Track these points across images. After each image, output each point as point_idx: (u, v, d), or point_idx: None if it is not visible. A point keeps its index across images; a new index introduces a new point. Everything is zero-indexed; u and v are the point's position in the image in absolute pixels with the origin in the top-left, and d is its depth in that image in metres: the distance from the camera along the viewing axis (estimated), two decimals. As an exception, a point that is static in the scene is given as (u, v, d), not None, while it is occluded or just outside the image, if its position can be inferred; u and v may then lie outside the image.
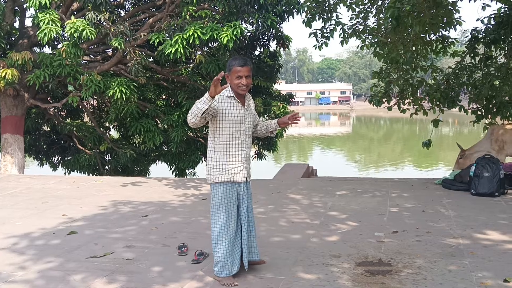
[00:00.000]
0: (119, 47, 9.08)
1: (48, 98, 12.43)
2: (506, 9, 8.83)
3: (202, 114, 3.44)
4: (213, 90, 3.39)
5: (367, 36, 9.51)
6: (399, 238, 4.85)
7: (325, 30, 9.01)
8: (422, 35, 8.86)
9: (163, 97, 12.97)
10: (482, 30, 9.22)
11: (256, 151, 12.99)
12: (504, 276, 3.71)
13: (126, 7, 12.91)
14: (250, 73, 3.69)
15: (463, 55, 9.71)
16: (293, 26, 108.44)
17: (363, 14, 9.32)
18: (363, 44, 9.71)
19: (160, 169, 14.10)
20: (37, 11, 9.16)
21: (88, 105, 13.68)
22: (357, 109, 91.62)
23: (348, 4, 9.04)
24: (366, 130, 54.05)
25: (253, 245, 3.95)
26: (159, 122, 11.86)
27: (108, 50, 11.74)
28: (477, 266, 3.95)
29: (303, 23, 8.86)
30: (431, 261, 4.11)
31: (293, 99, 14.07)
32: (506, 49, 9.08)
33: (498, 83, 8.94)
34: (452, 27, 8.71)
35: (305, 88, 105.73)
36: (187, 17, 9.18)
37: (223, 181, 3.70)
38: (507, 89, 8.70)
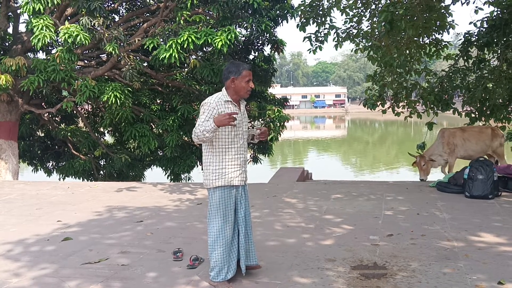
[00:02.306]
0: (113, 52, 9.07)
1: (43, 104, 12.40)
2: (499, 12, 8.90)
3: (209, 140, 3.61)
4: (225, 123, 3.50)
5: (361, 39, 9.56)
6: (394, 241, 4.87)
7: (319, 34, 9.04)
8: (415, 38, 8.92)
9: (158, 101, 12.95)
10: (475, 33, 9.28)
11: (252, 155, 12.98)
12: (499, 278, 3.73)
13: (120, 12, 12.90)
14: None
15: (457, 58, 9.77)
16: (288, 30, 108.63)
17: (356, 18, 9.36)
18: (357, 47, 9.76)
19: (155, 174, 14.06)
20: (31, 16, 9.13)
21: (83, 110, 13.63)
22: (352, 112, 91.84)
23: (342, 8, 9.08)
24: (361, 133, 54.15)
25: (251, 250, 3.95)
26: (154, 126, 11.83)
27: (102, 55, 11.72)
28: (471, 269, 3.97)
29: (297, 27, 8.90)
30: (426, 264, 4.13)
31: (287, 103, 14.07)
32: (499, 52, 9.15)
33: (491, 85, 9.01)
34: (445, 30, 8.78)
35: (300, 92, 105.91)
36: (181, 22, 9.18)
37: (221, 185, 3.70)
38: (500, 91, 8.77)
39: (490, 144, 9.06)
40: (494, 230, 5.15)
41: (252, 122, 11.74)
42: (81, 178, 12.84)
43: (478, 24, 9.19)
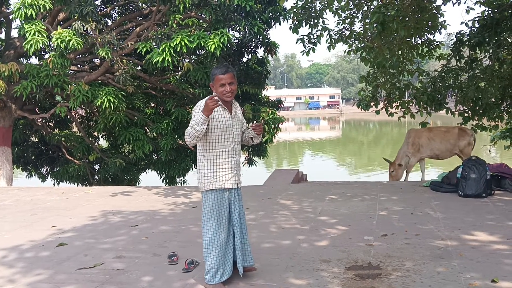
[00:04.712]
0: (106, 56, 9.06)
1: (36, 109, 12.36)
2: (490, 12, 8.96)
3: (201, 135, 3.56)
4: (211, 110, 3.48)
5: (353, 41, 9.58)
6: (388, 241, 4.89)
7: (312, 36, 9.06)
8: (407, 39, 8.96)
9: (152, 105, 12.95)
10: (467, 33, 9.34)
11: (246, 157, 12.99)
12: (492, 276, 3.75)
13: (113, 16, 12.90)
14: (233, 79, 3.72)
15: (449, 58, 9.82)
16: (281, 32, 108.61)
17: (349, 20, 9.39)
18: (350, 49, 9.78)
19: (150, 177, 14.04)
20: (23, 22, 9.11)
21: (76, 115, 13.61)
22: (346, 113, 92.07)
23: (334, 9, 9.10)
24: (356, 134, 54.30)
25: (247, 251, 3.96)
26: (148, 130, 11.83)
27: (95, 60, 11.71)
28: (465, 267, 3.99)
29: (290, 29, 8.91)
30: (420, 263, 4.15)
31: (282, 105, 14.10)
32: (490, 51, 9.21)
33: (483, 85, 9.07)
34: (437, 30, 8.82)
35: (294, 93, 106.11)
36: (174, 25, 9.19)
37: (214, 188, 3.72)
38: (492, 90, 8.82)
39: (456, 143, 9.23)
40: (488, 229, 5.19)
41: (247, 125, 11.75)
42: (75, 183, 12.81)
43: (470, 24, 9.26)
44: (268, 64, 12.56)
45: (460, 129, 9.43)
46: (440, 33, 9.14)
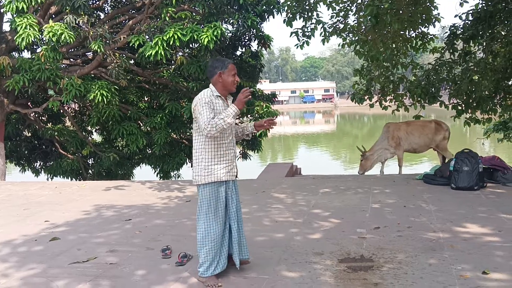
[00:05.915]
0: (98, 50, 9.01)
1: (28, 103, 12.28)
2: (483, 4, 8.97)
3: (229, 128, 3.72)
4: (244, 103, 3.62)
5: (347, 34, 9.56)
6: (380, 234, 4.91)
7: (306, 29, 9.04)
8: (401, 32, 8.96)
9: (145, 99, 12.89)
10: (461, 26, 9.34)
11: (241, 151, 12.99)
12: (483, 268, 3.78)
13: (105, 9, 12.80)
14: None
15: (443, 51, 9.83)
16: (276, 25, 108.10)
17: (343, 13, 9.36)
18: (344, 42, 9.77)
19: (144, 171, 14.01)
20: (15, 15, 9.05)
21: (69, 109, 13.52)
22: (341, 106, 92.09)
23: (328, 2, 9.07)
24: (350, 127, 54.37)
25: (243, 244, 3.96)
26: (141, 124, 11.79)
27: (88, 54, 11.63)
28: (456, 259, 4.02)
29: (283, 23, 8.89)
30: (412, 255, 4.17)
31: (276, 99, 14.08)
32: (484, 44, 9.22)
33: (477, 78, 9.09)
34: (431, 23, 8.82)
35: (289, 87, 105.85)
36: (167, 18, 9.14)
37: (213, 181, 3.71)
38: (486, 83, 8.84)
39: (433, 138, 9.38)
40: (479, 221, 5.22)
41: (241, 119, 11.74)
42: (69, 178, 12.76)
43: (464, 16, 9.25)
44: (262, 58, 12.54)
45: (436, 123, 9.55)
46: (434, 26, 9.16)
